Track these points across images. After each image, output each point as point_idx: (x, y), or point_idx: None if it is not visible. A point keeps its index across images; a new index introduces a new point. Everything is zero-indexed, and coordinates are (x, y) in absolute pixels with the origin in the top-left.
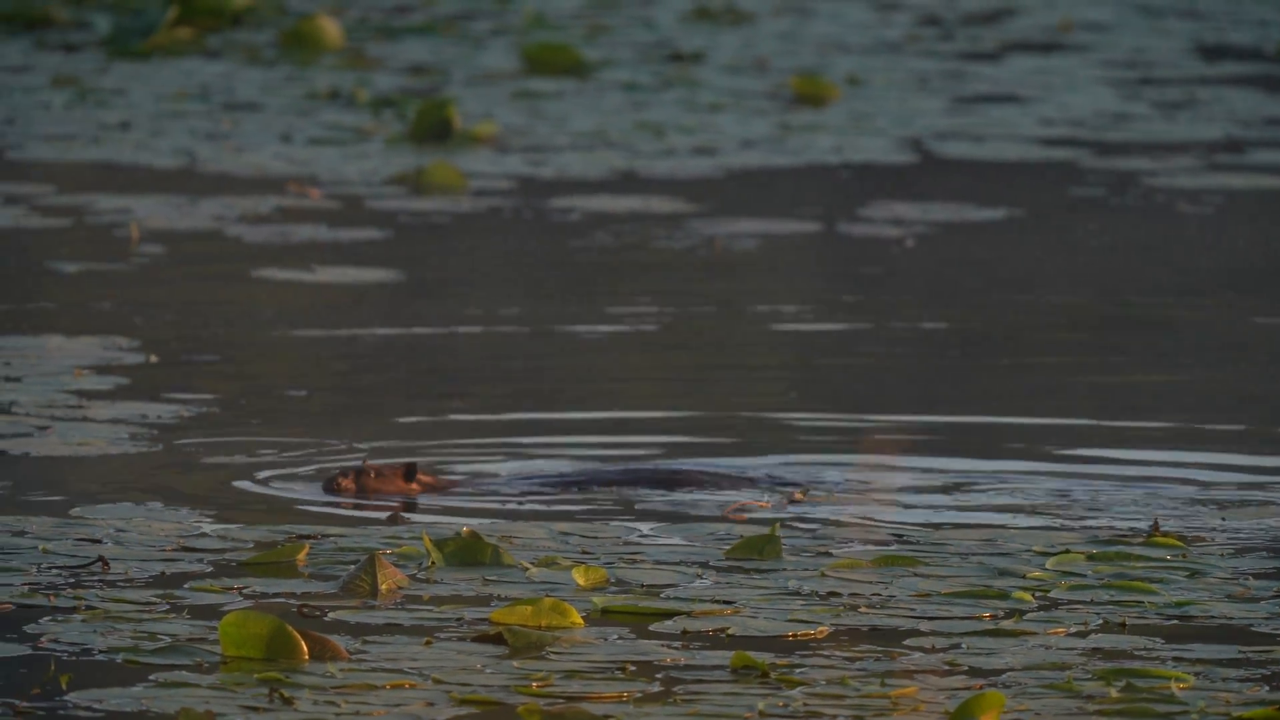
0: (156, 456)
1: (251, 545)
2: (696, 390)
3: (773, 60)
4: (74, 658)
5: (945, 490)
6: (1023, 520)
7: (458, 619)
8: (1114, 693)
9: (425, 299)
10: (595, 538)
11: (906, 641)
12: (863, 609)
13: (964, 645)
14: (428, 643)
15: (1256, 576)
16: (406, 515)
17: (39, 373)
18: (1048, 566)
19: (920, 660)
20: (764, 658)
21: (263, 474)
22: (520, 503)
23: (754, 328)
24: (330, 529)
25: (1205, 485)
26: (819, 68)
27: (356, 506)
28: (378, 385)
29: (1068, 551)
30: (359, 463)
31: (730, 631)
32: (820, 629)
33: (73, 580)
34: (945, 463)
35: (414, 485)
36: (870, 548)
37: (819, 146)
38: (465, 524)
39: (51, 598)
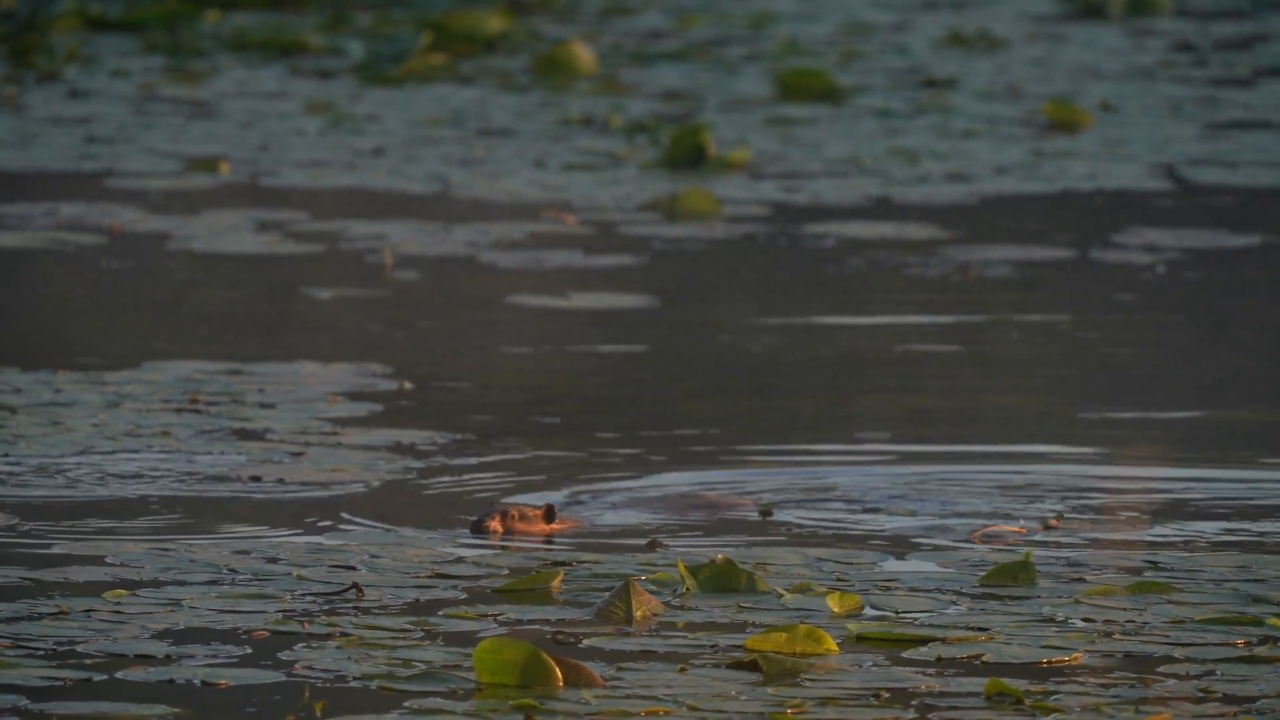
0: (409, 483)
1: (506, 572)
2: (943, 418)
3: (1026, 86)
4: (329, 684)
5: (1202, 513)
6: None
7: (712, 645)
8: None
9: (679, 325)
10: (850, 564)
11: (1160, 668)
12: (1117, 635)
13: (1218, 672)
14: (682, 669)
15: None
16: (663, 542)
17: (293, 399)
18: None
19: (1174, 687)
20: (1018, 684)
21: (513, 500)
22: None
23: (1008, 353)
24: (584, 555)
25: None
26: (1072, 94)
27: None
28: (631, 411)
29: None
30: (502, 505)
31: (985, 658)
32: (1075, 655)
33: (327, 607)
34: (1202, 482)
35: (554, 525)
36: (1124, 575)
37: (1072, 173)
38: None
39: (306, 624)
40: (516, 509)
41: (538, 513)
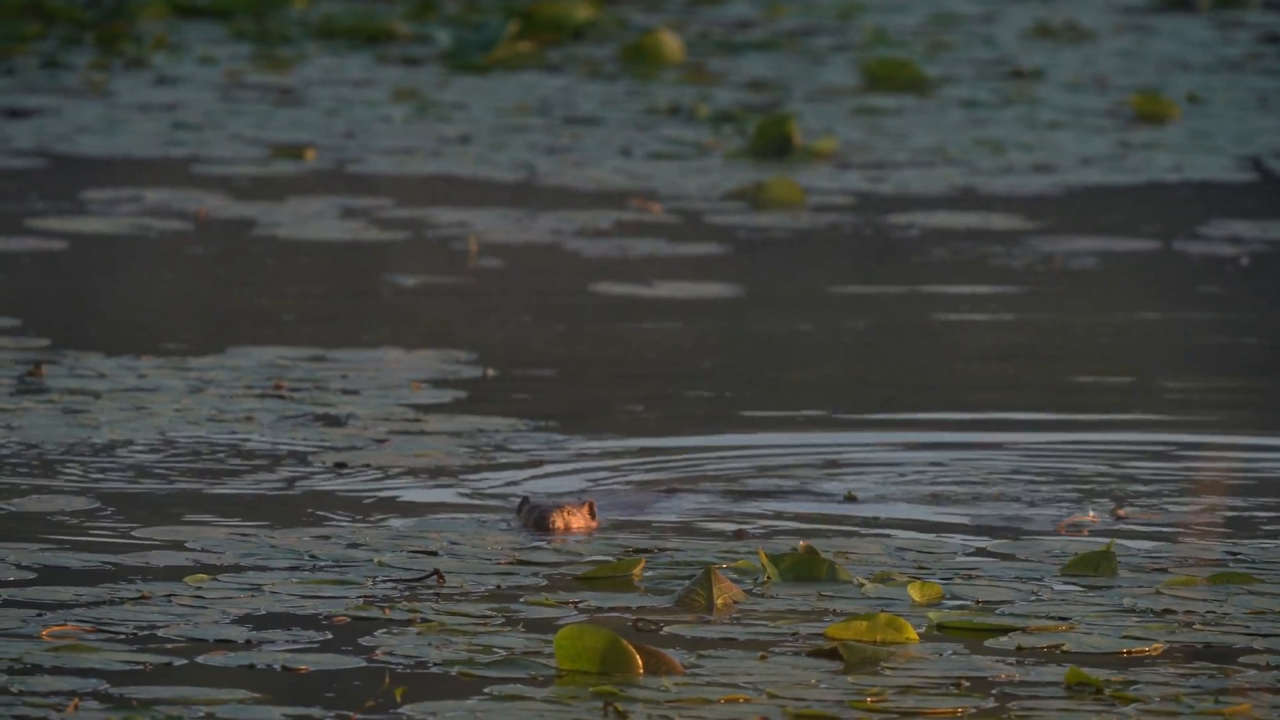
0: (491, 470)
1: (586, 559)
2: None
3: (1113, 78)
4: (408, 670)
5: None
6: None
7: (792, 634)
8: None
9: (764, 314)
10: (931, 553)
11: (1240, 659)
12: (1197, 626)
13: None
14: (763, 657)
15: None
16: (747, 530)
17: (376, 386)
18: None
19: (1254, 678)
20: (1098, 674)
21: (596, 487)
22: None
23: (1093, 342)
24: (666, 544)
25: None
26: (1159, 85)
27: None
28: (714, 399)
29: None
30: (543, 499)
31: (1065, 648)
32: (1155, 646)
33: (407, 593)
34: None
35: (595, 521)
36: (1205, 566)
37: (1158, 165)
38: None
39: (387, 610)
40: (567, 506)
41: (582, 508)
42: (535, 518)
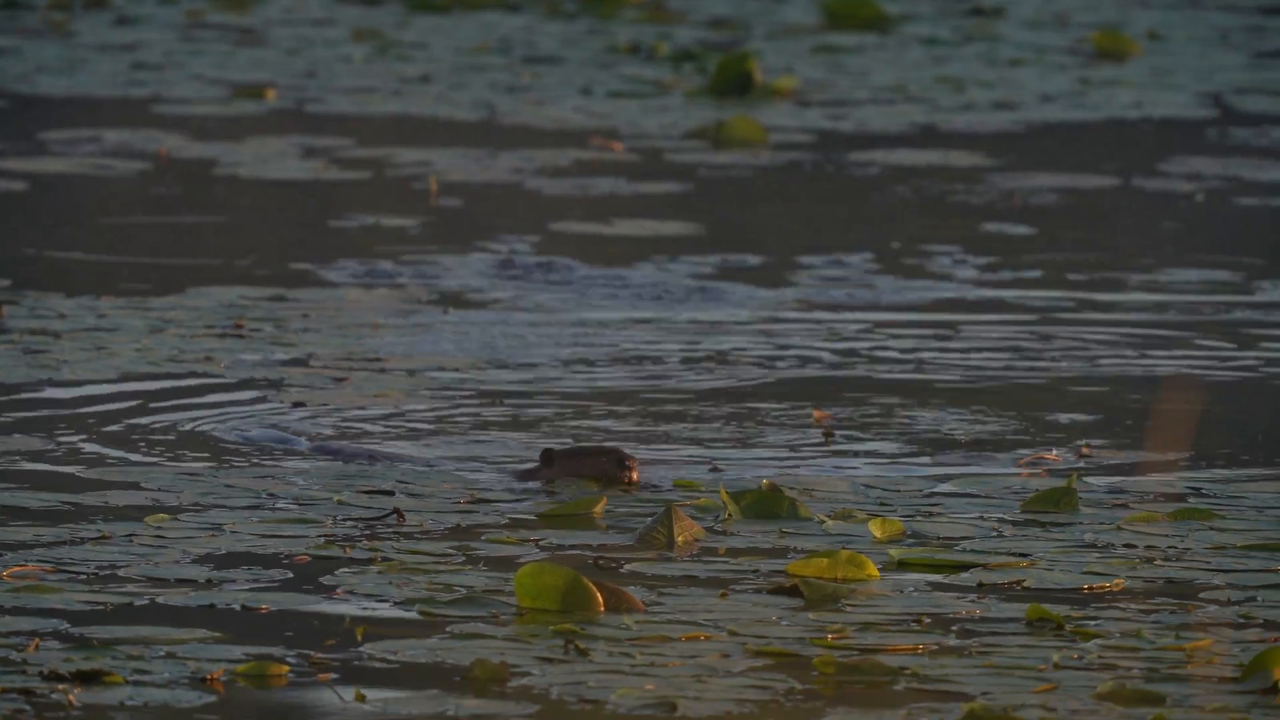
0: (452, 413)
1: (546, 498)
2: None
3: (1073, 15)
4: (369, 609)
5: (1242, 444)
6: None
7: (753, 571)
8: None
9: (723, 252)
10: (896, 490)
11: (1201, 595)
12: (1158, 562)
13: (1259, 598)
14: (723, 595)
15: None
16: (719, 466)
17: (336, 325)
18: None
19: (1215, 613)
20: (1059, 610)
21: (567, 432)
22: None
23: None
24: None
25: None
26: (1120, 23)
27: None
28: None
29: None
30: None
31: (1026, 584)
32: (1116, 581)
33: (368, 532)
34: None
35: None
36: (1166, 502)
37: (1119, 101)
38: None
39: (348, 549)
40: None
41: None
42: (616, 460)
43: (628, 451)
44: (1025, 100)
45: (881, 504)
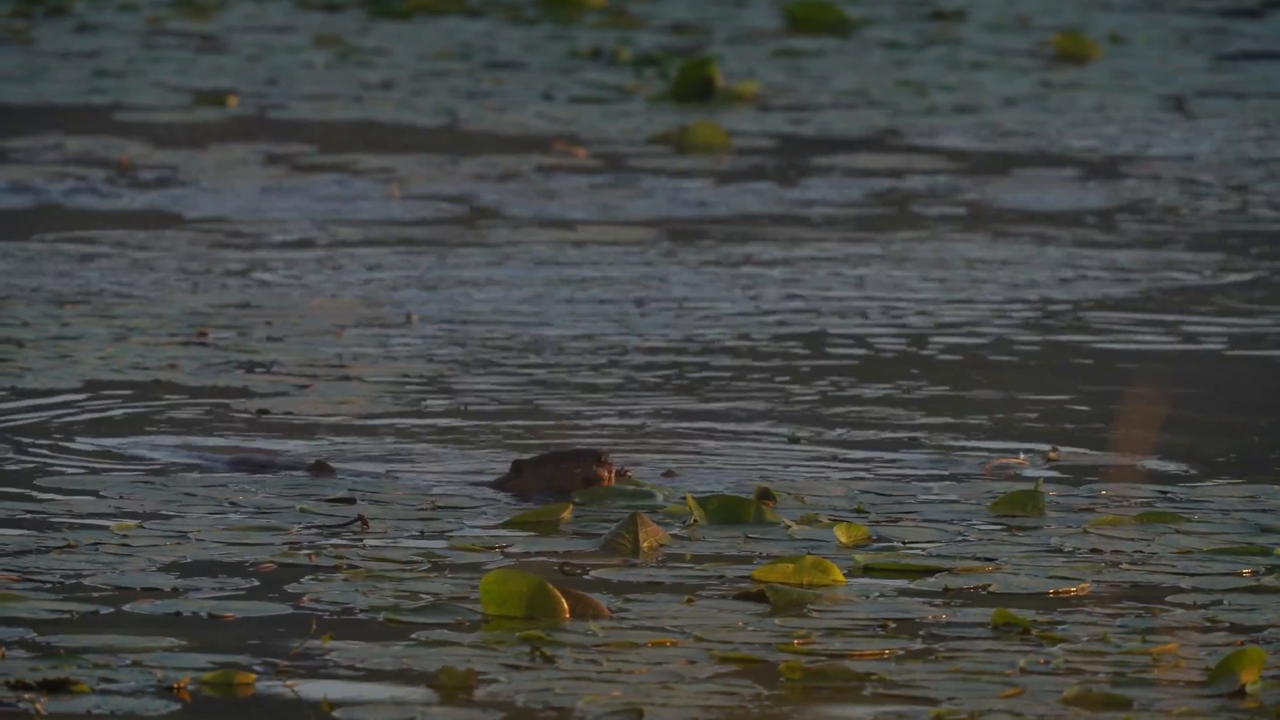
0: (420, 417)
1: (512, 504)
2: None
3: (1034, 18)
4: (335, 616)
5: (1209, 453)
6: None
7: (719, 577)
8: None
9: (683, 256)
10: (868, 495)
11: (1168, 598)
12: (1124, 566)
13: (1225, 602)
14: (689, 601)
15: None
16: (676, 472)
17: (300, 332)
18: None
19: (1181, 617)
20: (1025, 615)
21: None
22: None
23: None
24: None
25: None
26: (1081, 26)
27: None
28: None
29: None
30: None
31: (992, 588)
32: (1082, 586)
33: (333, 540)
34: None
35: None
36: (1132, 506)
37: (1080, 104)
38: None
39: (313, 557)
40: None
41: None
42: (592, 464)
43: (604, 449)
44: (987, 104)
45: (859, 510)
